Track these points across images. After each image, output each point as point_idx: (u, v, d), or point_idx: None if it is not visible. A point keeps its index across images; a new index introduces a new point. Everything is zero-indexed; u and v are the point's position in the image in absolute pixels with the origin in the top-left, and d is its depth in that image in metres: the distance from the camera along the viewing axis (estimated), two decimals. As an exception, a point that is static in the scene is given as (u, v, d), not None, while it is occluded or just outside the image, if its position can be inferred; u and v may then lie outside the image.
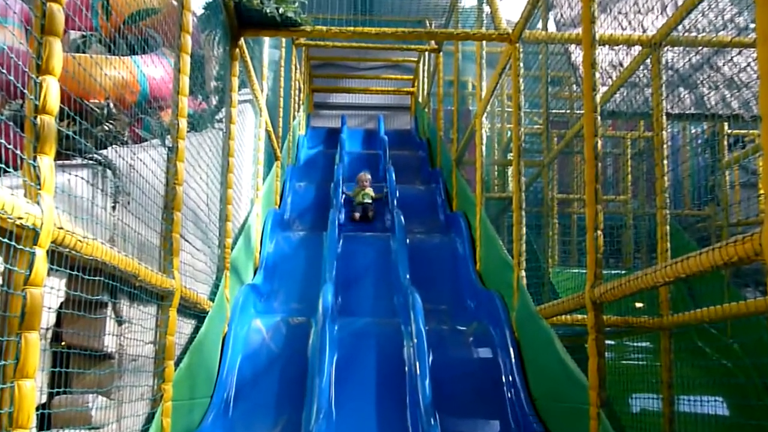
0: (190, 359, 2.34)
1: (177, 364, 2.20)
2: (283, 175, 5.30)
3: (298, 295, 3.75)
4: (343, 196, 4.60)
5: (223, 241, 3.02)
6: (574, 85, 4.18)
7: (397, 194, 5.00)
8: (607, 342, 1.99)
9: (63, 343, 1.56)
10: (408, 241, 4.11)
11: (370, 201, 4.47)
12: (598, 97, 1.98)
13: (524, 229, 3.12)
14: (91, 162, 1.59)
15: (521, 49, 3.06)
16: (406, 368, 2.85)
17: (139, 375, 1.93)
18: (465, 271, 3.93)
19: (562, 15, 3.33)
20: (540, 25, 4.29)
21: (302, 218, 4.97)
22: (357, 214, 4.37)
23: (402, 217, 4.25)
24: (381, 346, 3.00)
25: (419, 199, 5.30)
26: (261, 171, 4.05)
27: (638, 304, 3.24)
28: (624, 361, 3.46)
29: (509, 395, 2.80)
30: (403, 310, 3.32)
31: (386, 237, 4.28)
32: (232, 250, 3.13)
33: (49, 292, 1.34)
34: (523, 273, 3.06)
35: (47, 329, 1.44)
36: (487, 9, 3.87)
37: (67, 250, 1.08)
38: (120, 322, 1.79)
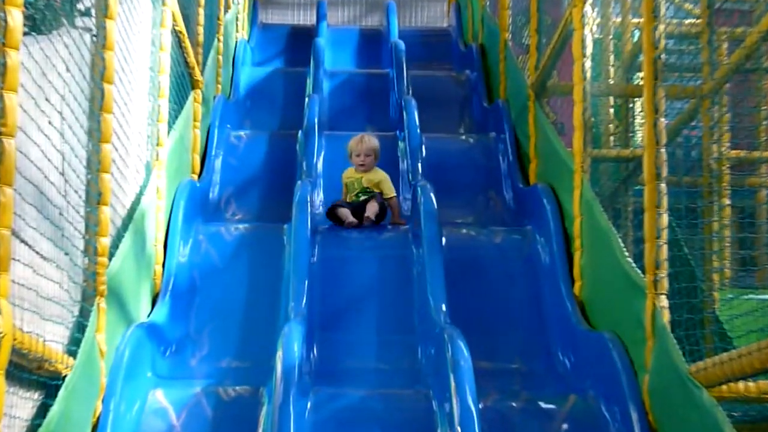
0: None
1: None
2: (209, 117, 5.48)
3: (237, 345, 3.99)
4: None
5: (93, 244, 3.10)
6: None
7: (423, 153, 5.17)
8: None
9: None
10: (445, 240, 4.31)
11: (367, 198, 4.59)
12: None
13: (666, 219, 3.18)
14: None
15: None
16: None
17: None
18: (553, 295, 4.16)
19: None
20: None
21: (244, 198, 5.17)
22: (344, 212, 4.51)
23: (432, 197, 4.38)
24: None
25: (465, 163, 5.48)
26: (165, 110, 4.23)
27: None
28: None
29: None
30: (436, 374, 3.49)
31: (403, 235, 4.52)
32: (110, 259, 3.21)
33: None
34: (664, 301, 3.15)
35: None
36: None
37: None
38: None
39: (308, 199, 4.43)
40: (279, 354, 3.28)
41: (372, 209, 4.44)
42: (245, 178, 5.29)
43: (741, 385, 2.72)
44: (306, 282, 3.89)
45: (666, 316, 3.11)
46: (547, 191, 4.62)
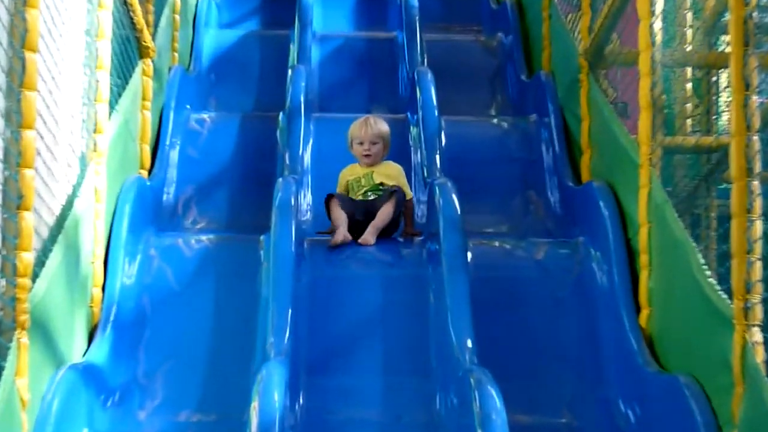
0: None
1: None
2: (162, 95, 5.49)
3: (199, 393, 4.02)
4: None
5: (12, 261, 3.11)
6: None
7: (443, 142, 5.18)
8: None
9: None
10: (471, 256, 4.37)
11: (381, 195, 4.60)
12: None
13: (760, 227, 3.19)
14: None
15: None
16: None
17: None
18: (613, 328, 4.22)
19: None
20: None
21: (208, 201, 5.19)
22: (340, 231, 4.46)
23: (455, 199, 4.40)
24: None
25: (497, 155, 5.49)
26: (105, 86, 4.26)
27: None
28: None
29: None
30: (459, 430, 3.57)
31: (417, 250, 4.60)
32: (33, 281, 3.23)
33: None
34: (758, 334, 3.16)
35: None
36: None
37: None
38: None
39: (292, 202, 4.42)
40: (254, 404, 3.32)
41: (384, 215, 4.49)
42: (210, 175, 5.31)
43: None
44: (289, 311, 3.91)
45: (760, 355, 3.13)
46: (604, 191, 4.64)
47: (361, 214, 4.51)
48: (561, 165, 5.31)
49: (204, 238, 4.72)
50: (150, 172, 5.15)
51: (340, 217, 4.45)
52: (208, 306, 4.34)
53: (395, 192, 4.52)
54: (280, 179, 4.67)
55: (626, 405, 3.89)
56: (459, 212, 4.34)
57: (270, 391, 3.34)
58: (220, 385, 4.00)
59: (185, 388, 4.04)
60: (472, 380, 3.38)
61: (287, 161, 4.99)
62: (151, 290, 4.32)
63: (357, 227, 4.45)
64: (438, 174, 4.92)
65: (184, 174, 5.29)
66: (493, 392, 3.28)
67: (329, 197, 4.54)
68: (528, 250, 4.66)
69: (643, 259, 4.10)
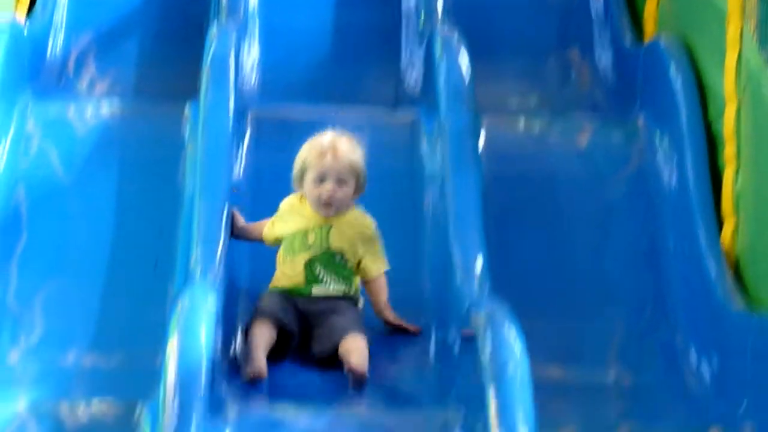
0: None
1: None
2: None
3: (94, 328, 4.05)
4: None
5: None
6: None
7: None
8: None
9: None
10: (486, 142, 4.42)
11: (333, 303, 4.09)
12: None
13: None
14: None
15: None
16: None
17: None
18: (684, 245, 4.27)
19: None
20: None
21: (111, 54, 5.20)
22: (255, 360, 3.88)
23: (463, 60, 4.39)
24: None
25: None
26: None
27: None
28: None
29: None
30: (464, 386, 3.59)
31: (408, 131, 4.58)
32: None
33: None
34: None
35: None
36: None
37: None
38: None
39: (231, 59, 4.44)
40: (173, 343, 3.33)
41: (357, 363, 3.77)
42: (115, 18, 5.24)
43: None
44: (225, 212, 3.98)
45: None
46: (676, 52, 4.59)
47: (294, 323, 4.00)
48: (616, 14, 5.26)
49: (105, 106, 4.67)
50: (28, 13, 5.09)
51: (259, 344, 3.90)
52: (108, 205, 4.32)
53: (349, 312, 4.01)
54: (214, 27, 4.68)
55: (701, 355, 3.94)
56: (468, 77, 4.34)
57: (194, 325, 3.35)
58: (125, 315, 4.03)
59: (75, 319, 4.03)
60: (481, 317, 3.42)
61: (224, 2, 4.93)
62: (29, 181, 4.33)
63: (285, 341, 3.98)
64: (439, 21, 4.89)
65: (78, 16, 5.23)
66: (512, 334, 3.29)
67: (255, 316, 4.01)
68: (566, 134, 4.64)
69: (729, 150, 4.11)
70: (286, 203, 4.22)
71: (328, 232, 4.11)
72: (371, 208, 4.22)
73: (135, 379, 3.73)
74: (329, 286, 4.08)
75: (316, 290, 4.06)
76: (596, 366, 3.97)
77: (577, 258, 4.25)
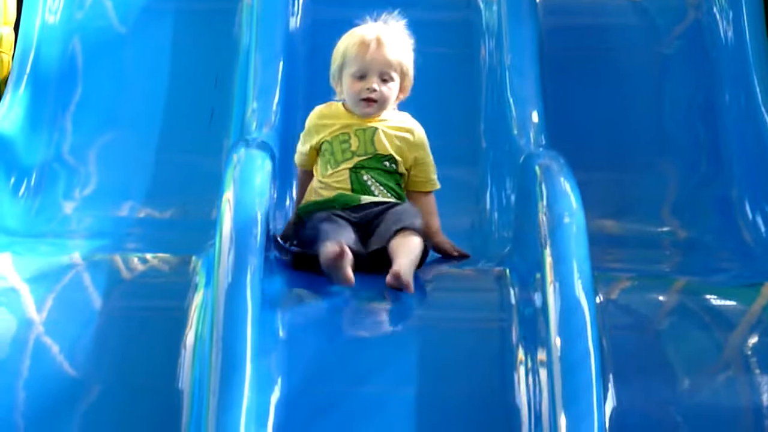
0: None
1: None
2: None
3: (149, 179, 4.16)
4: None
5: None
6: None
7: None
8: None
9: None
10: None
11: (388, 204, 3.74)
12: None
13: None
14: None
15: None
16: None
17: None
18: (743, 103, 4.31)
19: None
20: None
21: None
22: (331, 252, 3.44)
23: None
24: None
25: None
26: None
27: None
28: None
29: None
30: (516, 240, 3.76)
31: None
32: None
33: None
34: None
35: None
36: None
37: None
38: None
39: None
40: (228, 196, 3.36)
41: (407, 261, 3.48)
42: None
43: None
44: (280, 64, 3.94)
45: None
46: None
47: (359, 244, 3.62)
48: None
49: None
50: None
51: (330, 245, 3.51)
52: (163, 56, 4.36)
53: (404, 215, 3.64)
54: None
55: (755, 210, 3.96)
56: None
57: (250, 178, 3.40)
58: (179, 168, 4.09)
59: (130, 171, 4.11)
60: (537, 169, 3.49)
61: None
62: (85, 32, 4.35)
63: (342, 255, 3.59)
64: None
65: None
66: (568, 186, 3.36)
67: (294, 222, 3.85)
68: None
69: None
70: (314, 114, 3.86)
71: (372, 135, 3.79)
72: (430, 60, 4.14)
73: (190, 231, 3.84)
74: (378, 194, 3.76)
75: (365, 198, 3.74)
76: (651, 219, 4.07)
77: (632, 111, 4.30)
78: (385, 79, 3.72)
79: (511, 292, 3.53)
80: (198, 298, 3.38)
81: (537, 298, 3.30)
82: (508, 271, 3.63)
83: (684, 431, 3.20)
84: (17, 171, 3.95)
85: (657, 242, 4.25)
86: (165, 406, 3.18)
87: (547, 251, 3.23)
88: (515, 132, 3.85)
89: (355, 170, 3.70)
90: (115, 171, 4.17)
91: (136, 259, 3.69)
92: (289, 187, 4.09)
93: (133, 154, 4.21)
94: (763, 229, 4.04)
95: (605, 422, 3.00)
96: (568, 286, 3.18)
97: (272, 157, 3.69)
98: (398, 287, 3.37)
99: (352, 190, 3.70)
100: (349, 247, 3.41)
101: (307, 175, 3.83)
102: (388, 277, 3.35)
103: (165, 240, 3.93)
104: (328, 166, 3.73)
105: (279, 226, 3.93)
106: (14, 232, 3.77)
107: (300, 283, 3.61)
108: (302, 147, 3.80)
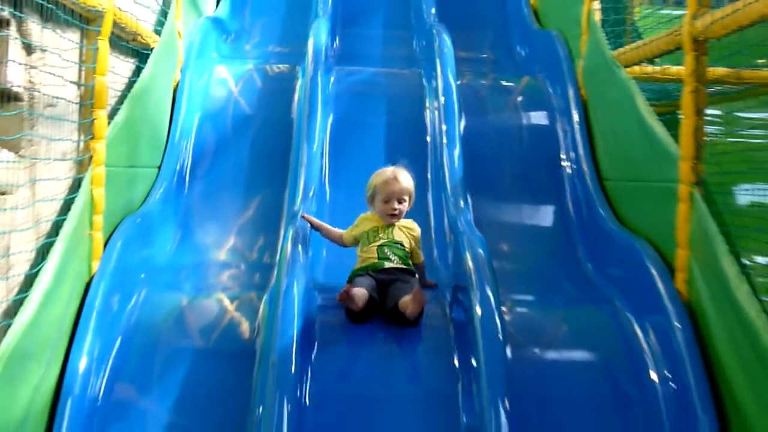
0: (130, 112, 3.98)
1: (111, 117, 3.61)
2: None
3: (279, 35, 6.47)
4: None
5: None
6: None
7: None
8: (710, 112, 3.17)
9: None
10: None
11: (400, 272, 4.72)
12: None
13: None
14: None
15: None
16: (429, 137, 5.19)
17: (59, 126, 3.07)
18: (514, 5, 6.69)
19: None
20: None
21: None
22: (358, 301, 4.38)
23: None
24: (394, 106, 5.36)
25: None
26: None
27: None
28: (732, 138, 4.78)
29: (569, 172, 4.99)
30: (426, 59, 5.67)
31: None
32: None
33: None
34: (597, 4, 4.95)
35: None
36: None
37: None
38: (29, 49, 2.86)
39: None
40: (310, 41, 5.55)
41: (416, 305, 4.39)
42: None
43: (650, 69, 4.69)
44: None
45: (597, 16, 5.52)
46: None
47: (375, 292, 4.57)
48: None
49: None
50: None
51: (359, 292, 4.44)
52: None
53: (410, 281, 4.67)
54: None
55: (520, 47, 6.53)
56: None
57: (319, 34, 5.54)
58: (293, 31, 6.42)
59: (273, 32, 6.42)
60: (434, 31, 5.65)
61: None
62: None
63: (371, 305, 4.52)
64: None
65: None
66: (445, 36, 5.57)
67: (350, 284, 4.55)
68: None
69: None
70: (361, 217, 4.90)
71: (392, 230, 4.80)
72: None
73: (296, 56, 6.14)
74: (394, 262, 4.70)
75: (387, 264, 4.68)
76: (478, 50, 6.71)
77: (471, 11, 6.97)
78: (401, 201, 4.80)
79: (423, 79, 5.72)
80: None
81: (433, 82, 5.40)
82: (422, 71, 5.68)
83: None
84: (226, 33, 6.21)
85: (480, 56, 6.41)
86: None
87: (437, 62, 5.19)
88: (425, 16, 6.09)
89: (380, 247, 4.74)
90: (265, 31, 6.55)
91: (274, 66, 5.78)
92: (334, 40, 6.13)
93: (274, 23, 6.53)
94: (523, 54, 6.40)
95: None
96: (445, 72, 5.23)
97: (327, 24, 5.60)
98: (410, 317, 4.33)
99: (378, 259, 4.72)
100: (368, 291, 4.40)
101: (341, 242, 4.97)
102: (401, 302, 4.37)
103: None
104: (366, 246, 4.80)
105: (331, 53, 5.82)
106: (224, 56, 5.87)
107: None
108: (352, 231, 4.89)
